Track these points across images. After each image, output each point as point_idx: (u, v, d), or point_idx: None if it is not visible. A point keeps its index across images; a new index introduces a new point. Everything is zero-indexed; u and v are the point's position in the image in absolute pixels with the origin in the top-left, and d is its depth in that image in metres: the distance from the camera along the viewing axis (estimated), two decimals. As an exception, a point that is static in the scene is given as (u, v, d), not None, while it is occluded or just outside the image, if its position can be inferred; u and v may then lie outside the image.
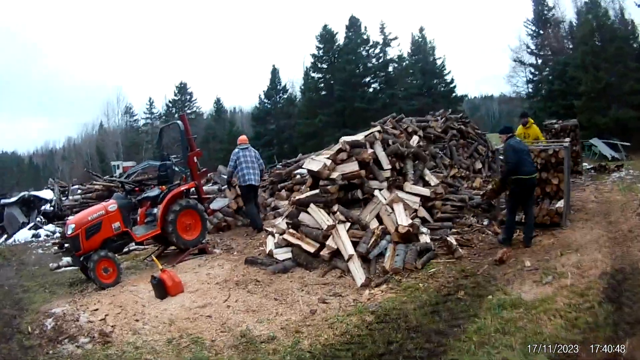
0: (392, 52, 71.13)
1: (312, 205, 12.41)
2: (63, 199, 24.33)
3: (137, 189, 14.02)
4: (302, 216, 12.49)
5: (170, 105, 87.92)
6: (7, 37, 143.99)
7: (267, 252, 12.60)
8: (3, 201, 26.04)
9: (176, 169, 14.21)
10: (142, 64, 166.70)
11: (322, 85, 71.03)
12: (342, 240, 11.23)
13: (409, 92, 67.46)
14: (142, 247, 15.41)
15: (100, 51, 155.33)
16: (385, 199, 12.56)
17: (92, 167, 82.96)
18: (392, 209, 12.34)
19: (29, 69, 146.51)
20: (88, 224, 11.74)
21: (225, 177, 15.71)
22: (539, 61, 62.72)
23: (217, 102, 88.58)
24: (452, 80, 70.01)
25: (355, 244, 11.25)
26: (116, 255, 12.36)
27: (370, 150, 13.04)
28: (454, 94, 68.94)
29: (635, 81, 44.72)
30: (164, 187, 13.31)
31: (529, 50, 63.48)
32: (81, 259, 11.73)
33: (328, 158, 13.00)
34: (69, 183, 26.45)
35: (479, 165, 23.07)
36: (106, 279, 11.53)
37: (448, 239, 11.74)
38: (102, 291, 11.14)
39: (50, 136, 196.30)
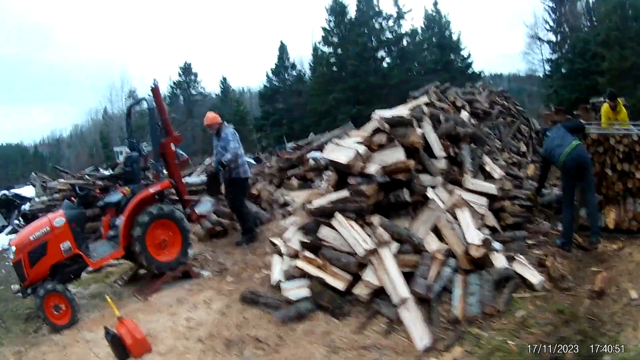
0: (405, 26, 69.14)
1: (338, 215, 8.45)
2: (41, 197, 20.93)
3: (97, 191, 10.61)
4: (325, 232, 8.58)
5: (175, 86, 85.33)
6: (9, 27, 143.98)
7: (272, 281, 9.02)
8: None
9: (149, 163, 10.99)
10: (145, 46, 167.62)
11: (334, 60, 68.62)
12: (389, 272, 7.49)
13: (426, 67, 65.61)
14: (116, 261, 11.90)
15: (103, 35, 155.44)
16: (444, 202, 8.86)
17: (96, 153, 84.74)
18: (455, 217, 8.70)
19: (33, 58, 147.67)
20: (30, 246, 8.97)
21: (228, 158, 11.76)
22: (558, 38, 61.26)
23: (223, 81, 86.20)
24: (469, 56, 68.66)
25: (407, 277, 7.56)
26: (68, 287, 9.48)
27: (419, 131, 9.22)
28: (471, 70, 67.01)
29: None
30: (127, 189, 10.00)
31: (547, 27, 62.24)
32: (28, 291, 9.17)
33: (360, 143, 9.10)
34: (49, 178, 23.20)
35: (522, 148, 19.34)
36: (58, 319, 8.94)
37: (547, 263, 8.35)
38: (56, 335, 8.68)
39: (57, 125, 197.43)
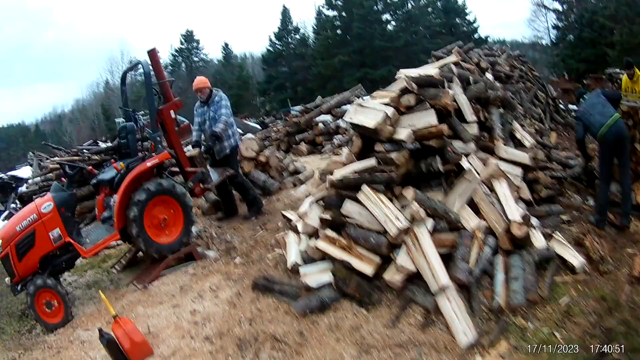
0: None
1: (365, 188, 7.23)
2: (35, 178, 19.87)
3: (90, 168, 9.61)
4: (349, 207, 7.38)
5: (177, 54, 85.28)
6: (7, 12, 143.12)
7: (288, 264, 7.90)
8: None
9: (146, 133, 9.71)
10: (144, 15, 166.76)
11: (338, 23, 68.44)
12: (426, 254, 6.42)
13: (431, 30, 66.00)
14: (115, 242, 10.82)
15: (101, 11, 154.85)
16: (479, 172, 7.78)
17: (98, 127, 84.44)
18: (491, 189, 7.68)
19: (33, 40, 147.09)
20: (17, 238, 8.07)
21: (220, 128, 10.69)
22: (564, 7, 60.21)
23: (225, 47, 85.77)
24: (474, 20, 68.54)
25: (445, 260, 6.52)
26: (61, 278, 9.15)
27: (450, 92, 8.00)
28: (477, 35, 66.60)
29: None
30: (121, 164, 8.96)
31: None
32: (18, 287, 8.26)
33: (388, 104, 7.79)
34: (47, 156, 22.15)
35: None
36: (51, 318, 8.08)
37: (586, 243, 7.64)
38: (50, 336, 7.83)
39: (58, 101, 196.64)
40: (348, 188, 7.42)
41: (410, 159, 7.35)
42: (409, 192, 6.99)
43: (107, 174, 9.27)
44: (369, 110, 7.65)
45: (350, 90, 23.15)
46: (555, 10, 60.88)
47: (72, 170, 8.98)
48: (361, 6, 64.02)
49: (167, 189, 8.89)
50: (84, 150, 16.92)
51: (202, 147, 10.75)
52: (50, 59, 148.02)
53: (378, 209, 6.90)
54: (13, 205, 18.75)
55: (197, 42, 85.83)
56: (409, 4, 68.44)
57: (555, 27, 60.75)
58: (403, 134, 7.20)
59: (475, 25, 67.88)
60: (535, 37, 67.25)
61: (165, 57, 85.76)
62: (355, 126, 7.89)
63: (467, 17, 68.43)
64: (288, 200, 11.94)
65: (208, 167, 10.53)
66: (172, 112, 9.53)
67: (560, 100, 21.10)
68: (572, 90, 25.91)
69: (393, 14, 68.28)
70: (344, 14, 67.31)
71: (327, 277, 7.03)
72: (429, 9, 68.69)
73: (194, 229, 9.89)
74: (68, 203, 8.53)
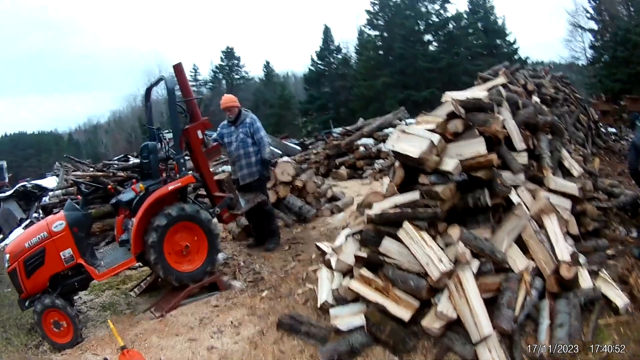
0: (450, 10, 68.70)
1: (407, 225, 6.50)
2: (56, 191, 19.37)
3: (110, 187, 9.15)
4: (388, 245, 6.66)
5: (217, 71, 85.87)
6: (40, 15, 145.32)
7: (318, 303, 7.25)
8: None
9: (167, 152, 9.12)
10: (184, 32, 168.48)
11: (380, 43, 68.75)
12: (470, 301, 5.75)
13: (473, 51, 65.09)
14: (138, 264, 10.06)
15: (138, 18, 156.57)
16: (528, 207, 7.03)
17: (135, 140, 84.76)
18: (542, 225, 6.88)
19: (66, 46, 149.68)
20: (26, 254, 7.68)
21: (268, 153, 10.53)
22: (600, 26, 59.43)
23: (267, 65, 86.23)
24: (514, 41, 67.95)
25: (487, 304, 5.87)
26: (74, 297, 8.81)
27: (500, 118, 7.29)
28: (517, 57, 65.09)
29: None
30: (141, 186, 8.37)
31: (587, 15, 60.36)
32: (26, 303, 7.82)
33: (433, 130, 7.05)
34: (74, 167, 21.68)
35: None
36: (59, 338, 7.66)
37: (631, 281, 7.00)
38: (57, 355, 7.45)
39: (94, 112, 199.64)
40: (388, 224, 6.70)
41: (456, 192, 6.62)
42: (455, 231, 6.26)
43: (126, 195, 8.74)
44: (413, 138, 6.94)
45: (393, 113, 22.51)
46: (591, 30, 60.15)
47: (87, 189, 8.47)
48: (403, 26, 64.07)
49: (190, 215, 8.29)
50: (114, 164, 16.43)
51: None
52: (82, 70, 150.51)
53: (420, 249, 6.21)
54: (35, 215, 18.23)
55: (238, 59, 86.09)
56: (450, 25, 67.86)
57: (592, 46, 59.85)
58: (450, 165, 6.51)
59: (515, 46, 67.32)
60: (573, 58, 66.25)
61: (205, 74, 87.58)
62: (397, 154, 7.15)
63: (508, 38, 68.07)
64: (324, 228, 11.38)
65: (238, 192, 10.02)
66: (199, 132, 9.00)
67: (601, 123, 20.31)
68: (610, 112, 25.23)
69: (435, 34, 67.92)
70: (385, 34, 67.48)
71: (359, 320, 6.35)
72: (470, 30, 68.16)
73: (220, 256, 9.41)
74: (81, 223, 8.04)
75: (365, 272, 6.69)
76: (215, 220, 9.01)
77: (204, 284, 8.51)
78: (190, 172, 8.84)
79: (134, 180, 10.05)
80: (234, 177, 10.43)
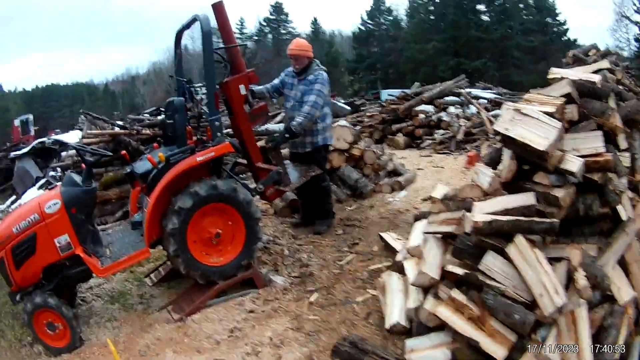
0: None
1: (520, 240, 4.74)
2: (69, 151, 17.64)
3: (124, 153, 7.48)
4: (492, 261, 4.85)
5: (264, 24, 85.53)
6: None
7: (387, 325, 5.45)
8: (13, 154, 20.63)
9: (196, 111, 7.40)
10: None
11: (432, 8, 68.37)
12: (580, 343, 4.44)
13: (525, 27, 64.53)
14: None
15: None
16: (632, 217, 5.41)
17: (174, 91, 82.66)
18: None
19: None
20: (13, 241, 6.14)
21: (298, 123, 8.01)
22: None
23: (314, 22, 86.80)
24: (565, 21, 67.35)
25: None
26: (73, 296, 7.05)
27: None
28: (565, 38, 65.76)
29: None
30: (160, 155, 6.44)
31: (635, 7, 60.43)
32: (17, 297, 6.37)
33: (552, 115, 5.19)
34: (91, 123, 20.05)
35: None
36: (54, 341, 6.24)
37: None
38: (52, 358, 6.18)
39: (132, 63, 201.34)
40: (494, 234, 4.91)
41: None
42: (575, 253, 4.68)
43: (142, 165, 6.93)
44: (532, 122, 5.02)
45: (454, 81, 20.81)
46: (637, 23, 60.68)
47: (91, 158, 6.65)
48: None
49: (224, 195, 6.41)
50: (143, 118, 14.71)
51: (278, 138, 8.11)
52: (124, 22, 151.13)
53: (534, 273, 4.58)
54: (53, 174, 16.64)
55: (286, 14, 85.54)
56: None
57: (637, 39, 60.57)
58: (574, 164, 4.88)
59: (565, 26, 66.29)
60: (617, 47, 63.39)
61: (251, 27, 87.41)
62: (509, 140, 5.24)
63: (558, 18, 66.74)
64: (384, 209, 9.52)
65: (289, 162, 8.22)
66: (241, 86, 7.11)
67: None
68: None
69: (487, 5, 66.65)
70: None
71: (442, 356, 4.75)
72: (520, 5, 67.11)
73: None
74: (81, 202, 6.33)
75: (457, 295, 4.86)
76: (256, 197, 7.21)
77: (237, 281, 6.71)
78: (228, 138, 6.88)
79: (154, 144, 8.14)
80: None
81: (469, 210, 5.15)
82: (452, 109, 17.84)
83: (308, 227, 8.95)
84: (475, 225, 4.69)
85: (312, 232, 8.74)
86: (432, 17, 67.07)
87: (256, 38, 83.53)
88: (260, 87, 8.51)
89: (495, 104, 19.18)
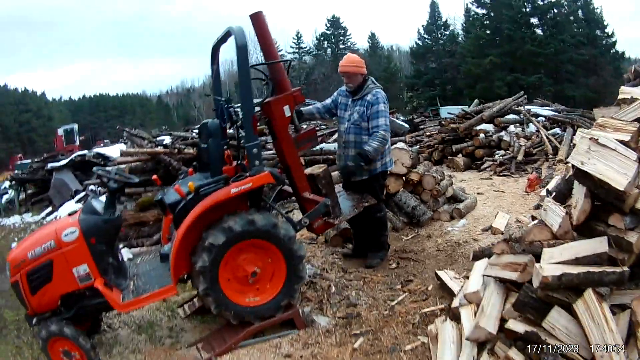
0: None
1: (590, 295, 4.11)
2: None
3: (155, 178, 6.91)
4: (556, 318, 4.22)
5: (322, 38, 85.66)
6: None
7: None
8: (51, 165, 20.93)
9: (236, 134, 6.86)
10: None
11: (487, 22, 68.01)
12: None
13: (577, 40, 63.57)
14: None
15: None
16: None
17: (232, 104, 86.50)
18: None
19: (163, 12, 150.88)
20: (29, 266, 5.72)
21: (374, 149, 7.40)
22: None
23: (372, 37, 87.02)
24: (612, 33, 66.08)
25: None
26: (97, 323, 6.75)
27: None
28: (614, 50, 65.18)
29: None
30: (190, 185, 5.89)
31: None
32: (33, 321, 5.92)
33: (626, 144, 4.40)
34: (151, 135, 19.67)
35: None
36: None
37: None
38: None
39: (188, 75, 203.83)
40: (560, 285, 4.27)
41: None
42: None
43: (171, 194, 6.34)
44: (610, 154, 4.28)
45: (513, 98, 20.33)
46: None
47: (115, 184, 6.10)
48: (510, 6, 62.83)
49: (262, 230, 5.77)
50: (188, 135, 14.25)
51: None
52: (177, 34, 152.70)
53: (597, 331, 4.04)
54: (92, 187, 16.31)
55: (345, 29, 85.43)
56: (554, 10, 66.16)
57: None
58: None
59: (614, 39, 65.07)
60: None
61: (309, 42, 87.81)
62: (582, 174, 4.53)
63: (606, 30, 65.77)
64: (442, 240, 8.85)
65: (341, 190, 7.68)
66: (286, 107, 6.40)
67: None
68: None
69: (540, 18, 66.10)
70: (492, 13, 66.18)
71: None
72: (571, 18, 66.21)
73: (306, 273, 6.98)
74: (102, 232, 5.85)
75: (515, 355, 4.28)
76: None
77: (275, 322, 6.09)
78: (266, 168, 6.15)
79: (189, 169, 7.50)
80: (339, 165, 8.00)
81: (535, 255, 4.53)
82: (512, 128, 17.35)
83: (359, 259, 8.25)
84: (544, 280, 4.04)
85: (363, 266, 8.05)
86: (487, 32, 66.62)
87: (314, 53, 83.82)
88: (310, 107, 7.95)
89: (554, 122, 18.76)
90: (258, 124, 6.25)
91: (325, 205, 6.47)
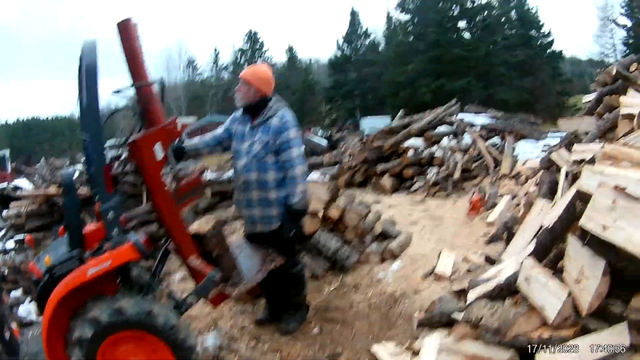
0: None
1: None
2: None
3: (61, 230, 5.34)
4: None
5: (239, 54, 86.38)
6: None
7: None
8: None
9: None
10: (204, 15, 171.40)
11: (411, 29, 67.56)
12: None
13: (510, 41, 63.38)
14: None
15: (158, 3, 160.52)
16: None
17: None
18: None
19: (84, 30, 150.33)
20: None
21: (300, 198, 5.81)
22: (633, 22, 59.94)
23: (290, 50, 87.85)
24: (549, 33, 65.75)
25: None
26: None
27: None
28: (551, 50, 64.74)
29: None
30: (47, 259, 4.68)
31: (622, 11, 60.70)
32: None
33: None
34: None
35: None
36: None
37: None
38: None
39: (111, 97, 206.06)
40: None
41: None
42: None
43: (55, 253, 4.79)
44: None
45: (445, 107, 18.65)
46: (624, 27, 60.39)
47: None
48: (436, 10, 62.75)
49: (133, 321, 4.40)
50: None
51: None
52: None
53: None
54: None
55: (262, 44, 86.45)
56: (484, 12, 66.34)
57: (625, 43, 59.58)
58: None
59: (550, 38, 64.98)
60: (602, 55, 65.36)
61: (226, 58, 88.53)
62: (602, 245, 3.26)
63: (542, 30, 65.71)
64: (374, 290, 7.22)
65: (241, 244, 6.16)
66: (157, 147, 4.81)
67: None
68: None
69: (469, 22, 66.36)
70: (417, 18, 65.94)
71: None
72: (502, 20, 66.49)
73: (210, 342, 5.85)
74: None
75: None
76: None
77: None
78: (132, 238, 4.68)
79: (60, 228, 5.86)
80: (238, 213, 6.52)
81: (520, 349, 3.32)
82: (445, 141, 16.11)
83: (274, 324, 6.64)
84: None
85: (279, 331, 6.48)
86: (410, 39, 66.40)
87: (232, 69, 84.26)
88: (195, 140, 6.21)
89: (491, 130, 17.37)
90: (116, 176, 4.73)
91: (213, 280, 5.00)
